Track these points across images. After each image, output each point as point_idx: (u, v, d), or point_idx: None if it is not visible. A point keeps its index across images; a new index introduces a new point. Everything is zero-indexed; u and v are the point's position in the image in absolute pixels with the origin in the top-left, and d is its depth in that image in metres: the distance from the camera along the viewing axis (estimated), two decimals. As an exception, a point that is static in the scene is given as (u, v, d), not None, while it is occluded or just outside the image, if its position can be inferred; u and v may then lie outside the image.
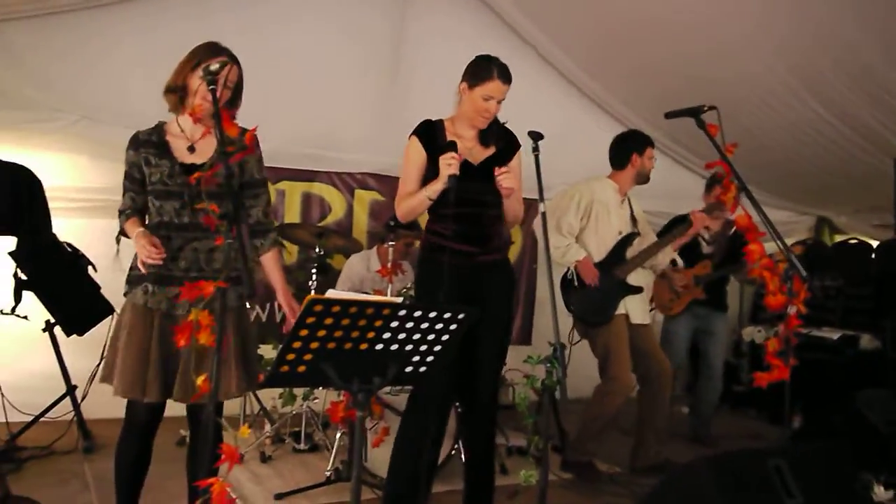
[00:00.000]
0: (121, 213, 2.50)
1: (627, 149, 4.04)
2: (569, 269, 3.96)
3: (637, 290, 3.99)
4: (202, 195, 2.26)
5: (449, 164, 2.70)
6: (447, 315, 2.04)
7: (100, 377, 2.46)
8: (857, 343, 5.44)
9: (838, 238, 6.94)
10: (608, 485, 3.82)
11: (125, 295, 2.46)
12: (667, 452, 4.10)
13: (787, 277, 2.94)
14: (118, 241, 2.53)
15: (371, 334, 1.96)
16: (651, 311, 4.36)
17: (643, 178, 4.06)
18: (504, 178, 2.77)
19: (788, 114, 4.89)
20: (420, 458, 2.88)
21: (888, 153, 4.85)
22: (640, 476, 3.94)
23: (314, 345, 1.90)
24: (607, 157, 4.13)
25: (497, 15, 5.27)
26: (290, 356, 1.91)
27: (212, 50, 2.42)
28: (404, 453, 2.92)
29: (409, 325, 2.00)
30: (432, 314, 2.01)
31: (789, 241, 6.59)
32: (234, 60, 2.44)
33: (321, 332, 1.88)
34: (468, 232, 2.86)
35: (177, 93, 2.43)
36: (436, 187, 2.77)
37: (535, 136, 2.69)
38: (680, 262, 4.56)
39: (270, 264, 2.63)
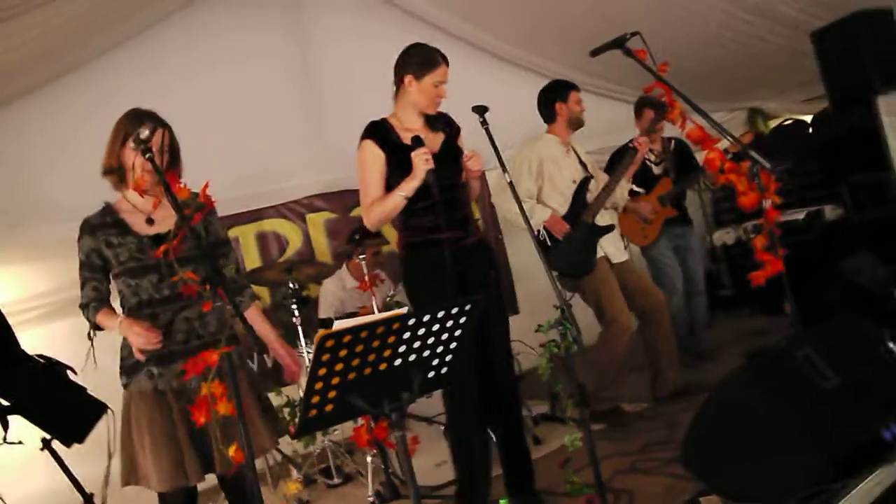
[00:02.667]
0: (85, 307, 2.37)
1: (550, 100, 4.06)
2: (538, 230, 3.94)
3: (609, 228, 4.01)
4: (174, 266, 2.17)
5: (426, 160, 2.68)
6: (455, 310, 2.00)
7: (122, 481, 2.35)
8: (822, 216, 5.57)
9: (772, 123, 7.09)
10: (640, 422, 3.84)
11: (125, 387, 2.37)
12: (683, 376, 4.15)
13: (753, 174, 2.98)
14: (90, 337, 2.41)
15: (387, 353, 1.92)
16: (626, 247, 4.38)
17: (576, 124, 4.06)
18: (473, 161, 2.82)
19: (696, 20, 4.95)
20: (475, 452, 2.89)
21: (804, 32, 4.93)
22: (666, 405, 3.98)
23: (335, 380, 1.85)
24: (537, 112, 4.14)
25: (399, 8, 5.22)
26: (315, 399, 1.85)
27: (136, 117, 2.33)
28: (459, 451, 2.93)
29: (421, 331, 1.96)
30: (440, 314, 1.98)
31: (724, 142, 6.79)
32: (161, 123, 2.35)
33: (339, 366, 1.83)
34: (451, 218, 2.83)
35: (115, 173, 2.33)
36: (412, 185, 2.73)
37: (481, 110, 2.68)
38: (639, 190, 4.58)
39: (256, 319, 2.55)
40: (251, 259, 4.99)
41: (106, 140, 2.36)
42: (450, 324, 2.02)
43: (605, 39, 3.13)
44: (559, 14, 5.02)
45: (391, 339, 1.91)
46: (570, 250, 3.90)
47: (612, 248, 4.05)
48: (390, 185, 2.82)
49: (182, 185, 2.25)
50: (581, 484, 2.67)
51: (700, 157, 4.61)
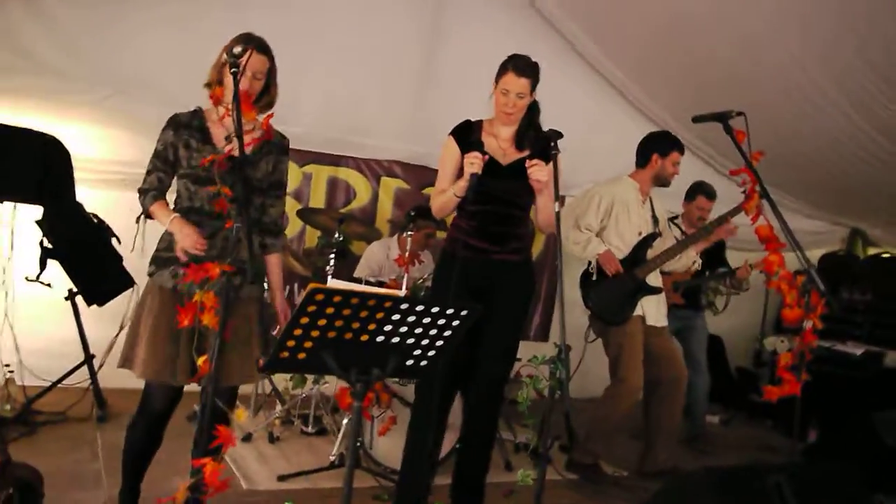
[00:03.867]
0: (144, 192, 2.47)
1: (650, 149, 4.00)
2: (590, 263, 3.92)
3: (656, 290, 3.95)
4: (216, 178, 2.27)
5: (472, 163, 2.73)
6: (449, 311, 2.03)
7: (119, 362, 2.44)
8: (882, 360, 5.34)
9: (872, 251, 6.80)
10: (612, 488, 3.80)
11: (150, 275, 2.46)
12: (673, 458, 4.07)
13: (805, 291, 2.90)
14: (138, 220, 2.52)
15: (372, 326, 1.96)
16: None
17: (662, 182, 4.00)
18: (535, 169, 2.78)
19: (826, 123, 4.78)
20: (423, 447, 2.93)
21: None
22: (646, 481, 3.91)
23: (314, 333, 1.90)
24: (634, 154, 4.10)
25: (536, 11, 5.23)
26: (291, 343, 1.92)
27: (241, 40, 2.42)
28: (409, 447, 2.99)
29: (411, 318, 1.99)
30: (434, 309, 2.01)
31: (820, 252, 6.55)
32: (261, 48, 2.44)
33: (322, 321, 1.88)
34: (487, 229, 2.89)
35: (212, 87, 2.45)
36: (461, 185, 2.80)
37: (554, 135, 2.67)
38: (698, 263, 4.46)
39: (274, 266, 2.66)
40: (317, 199, 5.12)
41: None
42: (441, 322, 2.05)
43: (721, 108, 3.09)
44: (687, 68, 4.93)
45: (379, 315, 1.95)
46: (611, 296, 3.86)
47: (653, 309, 3.99)
48: None
49: (254, 111, 2.33)
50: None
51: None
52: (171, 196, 2.54)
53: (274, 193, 2.60)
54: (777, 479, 2.26)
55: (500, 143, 2.96)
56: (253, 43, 2.44)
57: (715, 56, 4.60)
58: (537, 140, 2.95)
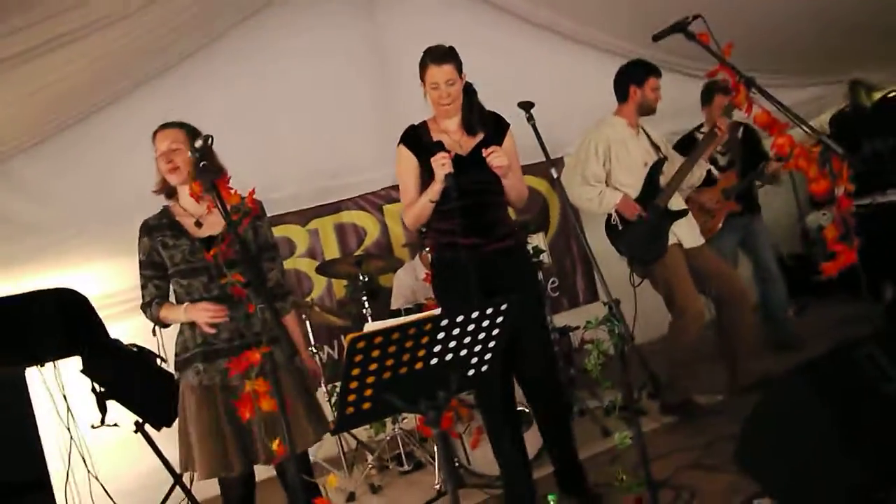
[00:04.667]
0: (148, 305, 2.52)
1: (625, 81, 3.95)
2: (610, 214, 3.88)
3: (682, 213, 3.90)
4: (223, 268, 2.29)
5: (442, 164, 2.70)
6: (489, 311, 2.02)
7: (181, 467, 2.51)
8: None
9: (877, 96, 6.64)
10: (712, 416, 3.73)
11: (178, 381, 2.53)
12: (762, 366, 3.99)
13: (824, 160, 2.83)
14: (155, 333, 2.57)
15: (422, 352, 1.95)
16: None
17: (647, 110, 3.94)
18: (493, 157, 2.75)
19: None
20: (509, 448, 2.92)
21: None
22: (743, 398, 3.84)
23: (370, 379, 1.91)
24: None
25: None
26: (351, 397, 1.92)
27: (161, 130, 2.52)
28: (496, 447, 2.98)
29: (456, 331, 1.99)
30: (474, 315, 2.00)
31: (827, 116, 6.41)
32: (191, 132, 2.51)
33: (372, 366, 1.88)
34: (472, 224, 2.83)
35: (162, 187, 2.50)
36: (435, 188, 2.77)
37: (526, 106, 2.65)
38: (715, 171, 4.39)
39: (292, 326, 2.68)
40: (330, 250, 5.15)
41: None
42: (486, 324, 2.04)
43: (680, 16, 3.03)
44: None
45: (424, 340, 1.94)
46: (640, 235, 3.81)
47: (685, 232, 3.92)
48: (427, 187, 2.86)
49: (233, 191, 2.36)
50: (631, 481, 2.63)
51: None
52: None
53: (267, 256, 2.62)
54: (867, 350, 2.21)
55: (452, 136, 2.94)
56: (169, 126, 2.52)
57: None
58: (486, 120, 2.94)
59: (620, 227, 3.85)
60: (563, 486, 2.98)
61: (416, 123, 2.99)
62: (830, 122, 6.35)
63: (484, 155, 2.76)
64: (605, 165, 3.88)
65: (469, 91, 2.94)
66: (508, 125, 2.94)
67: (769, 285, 4.69)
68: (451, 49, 2.85)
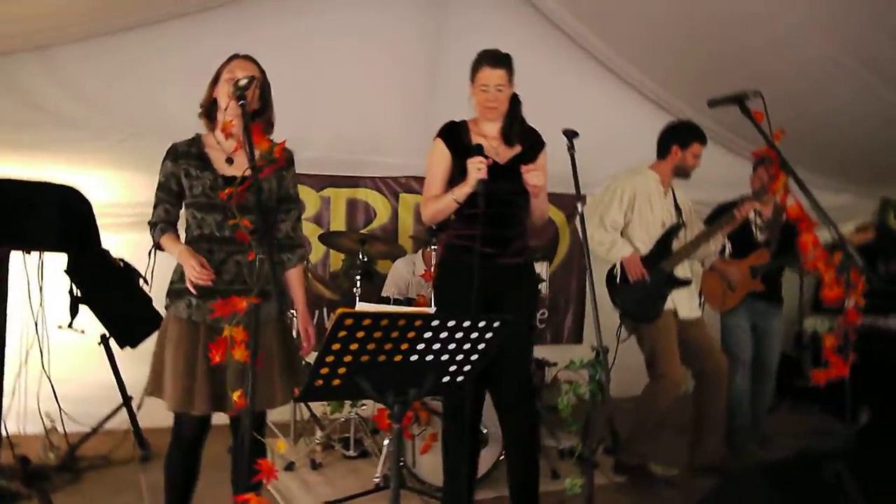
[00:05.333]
0: (153, 225, 2.49)
1: (670, 140, 3.93)
2: (614, 265, 3.87)
3: (685, 282, 3.88)
4: (234, 210, 2.27)
5: (479, 169, 2.68)
6: (482, 324, 2.00)
7: (146, 391, 2.50)
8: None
9: (906, 220, 6.63)
10: (662, 487, 3.72)
11: (166, 308, 2.50)
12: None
13: (843, 268, 2.82)
14: (151, 254, 2.55)
15: (404, 346, 1.93)
16: (701, 304, 4.22)
17: (682, 173, 3.93)
18: (531, 175, 2.73)
19: (843, 93, 4.68)
20: (461, 464, 2.88)
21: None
22: (697, 478, 3.83)
23: (347, 358, 1.88)
24: (653, 145, 4.03)
25: (538, 11, 5.20)
26: (324, 370, 1.90)
27: (235, 64, 2.47)
28: (448, 460, 2.95)
29: (444, 335, 1.96)
30: (466, 324, 1.98)
31: (850, 225, 6.40)
32: (260, 71, 2.47)
33: (353, 346, 1.86)
34: (491, 234, 2.81)
35: (207, 111, 2.46)
36: (464, 190, 2.74)
37: (570, 135, 2.63)
38: (728, 247, 4.35)
39: (294, 281, 2.64)
40: (337, 222, 5.12)
41: None
42: (474, 336, 2.02)
43: (735, 89, 3.02)
44: (694, 51, 4.85)
45: (411, 335, 1.92)
46: (639, 293, 3.79)
47: (684, 302, 3.90)
48: (453, 185, 2.84)
49: (267, 138, 2.34)
50: (569, 529, 2.62)
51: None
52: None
53: (284, 208, 2.58)
54: (835, 468, 2.18)
55: (491, 143, 2.92)
56: (252, 68, 2.47)
57: (722, 34, 4.53)
58: (525, 134, 2.92)
59: (619, 281, 3.83)
60: None
61: (456, 120, 2.97)
62: (857, 230, 6.33)
63: (522, 171, 2.74)
64: (627, 215, 3.87)
65: (514, 102, 2.93)
66: (544, 144, 2.91)
67: (764, 386, 4.48)
68: (507, 55, 2.85)
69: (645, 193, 3.88)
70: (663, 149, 3.95)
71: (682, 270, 3.89)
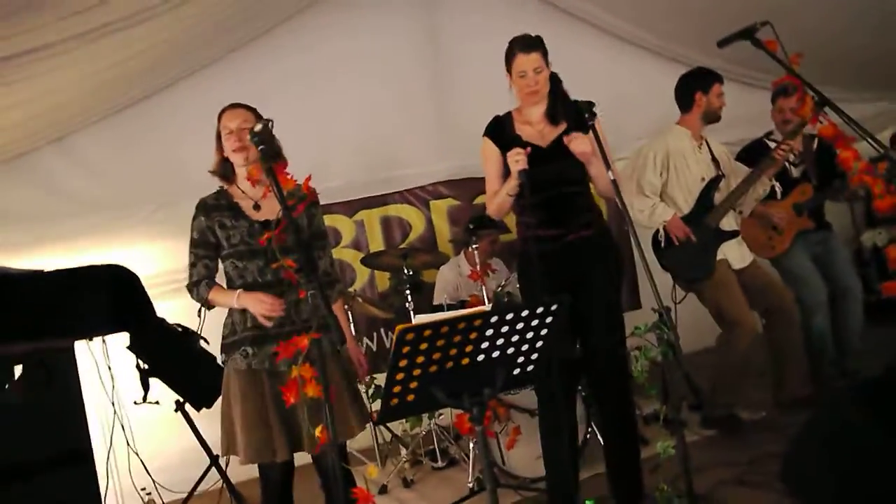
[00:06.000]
0: (196, 283, 2.54)
1: (690, 89, 3.85)
2: (658, 229, 3.81)
3: (732, 234, 3.80)
4: (276, 253, 2.31)
5: (516, 161, 2.71)
6: (539, 310, 2.00)
7: (222, 451, 2.53)
8: None
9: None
10: (754, 432, 3.65)
11: (223, 363, 2.55)
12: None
13: (891, 176, 2.76)
14: (200, 314, 2.59)
15: (469, 348, 1.95)
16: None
17: (713, 118, 3.84)
18: (575, 143, 2.73)
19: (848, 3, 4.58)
20: (561, 449, 2.87)
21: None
22: (785, 415, 3.76)
23: (416, 372, 1.90)
24: (672, 99, 3.96)
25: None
26: (396, 388, 1.92)
27: (230, 110, 2.56)
28: (548, 448, 2.93)
29: (504, 329, 1.97)
30: (524, 313, 1.98)
31: (887, 133, 6.23)
32: (258, 115, 2.54)
33: (420, 359, 1.88)
34: (552, 215, 2.85)
35: (221, 168, 2.55)
36: (512, 184, 2.78)
37: (586, 106, 2.62)
38: (779, 188, 4.10)
39: (338, 314, 2.67)
40: (375, 243, 5.17)
41: None
42: (535, 323, 2.02)
43: (744, 25, 2.97)
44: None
45: (473, 336, 1.93)
46: (687, 253, 3.73)
47: (734, 253, 3.83)
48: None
49: (289, 177, 2.38)
50: (670, 493, 2.59)
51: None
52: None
53: (318, 244, 2.63)
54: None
55: (535, 127, 2.93)
56: (238, 107, 2.55)
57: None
58: (569, 110, 2.90)
59: (664, 245, 3.78)
60: (617, 491, 2.92)
61: (500, 115, 3.00)
62: (891, 139, 6.17)
63: (565, 141, 2.75)
64: (662, 176, 3.81)
65: (555, 80, 2.93)
66: (595, 117, 2.87)
67: (849, 307, 4.22)
68: (538, 38, 2.86)
69: (678, 151, 3.82)
70: (686, 100, 3.87)
71: (727, 222, 3.82)
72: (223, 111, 2.57)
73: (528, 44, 2.82)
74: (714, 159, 3.90)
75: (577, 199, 2.92)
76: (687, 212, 3.78)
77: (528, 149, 2.75)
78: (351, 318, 4.32)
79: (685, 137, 3.85)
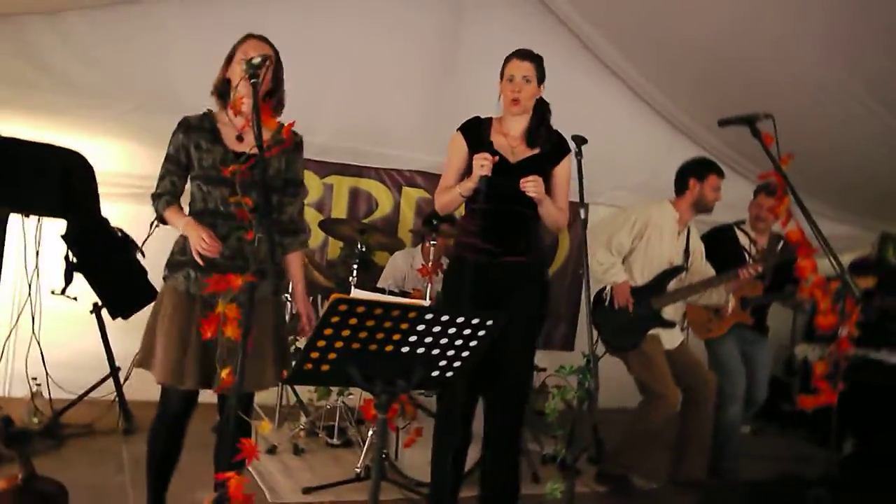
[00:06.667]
0: (158, 196, 2.48)
1: (687, 174, 3.90)
2: (605, 286, 3.86)
3: (669, 324, 3.87)
4: (237, 187, 2.27)
5: (482, 165, 2.70)
6: (475, 321, 1.99)
7: (136, 361, 2.50)
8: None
9: (905, 256, 6.63)
10: (643, 500, 3.72)
11: (164, 279, 2.49)
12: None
13: (839, 297, 2.81)
14: (153, 226, 2.54)
15: (396, 336, 1.93)
16: (684, 328, 4.19)
17: (703, 208, 3.90)
18: (528, 186, 2.74)
19: (854, 124, 4.69)
20: (447, 461, 2.89)
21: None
22: (678, 493, 3.83)
23: (338, 344, 1.88)
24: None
25: (555, 16, 5.20)
26: (314, 354, 1.89)
27: (248, 41, 2.47)
28: (436, 458, 2.95)
29: (436, 329, 1.96)
30: (460, 319, 1.98)
31: (850, 257, 6.41)
32: (267, 43, 2.48)
33: (345, 332, 1.86)
34: (495, 230, 2.85)
35: (221, 89, 2.47)
36: (468, 185, 2.78)
37: (579, 141, 2.62)
38: (732, 304, 4.16)
39: (294, 264, 2.65)
40: (339, 209, 5.12)
41: None
42: (467, 332, 2.01)
43: (746, 111, 3.02)
44: (703, 68, 4.85)
45: (404, 326, 1.92)
46: (620, 321, 3.78)
47: (666, 335, 3.89)
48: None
49: (276, 118, 2.33)
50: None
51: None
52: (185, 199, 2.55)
53: (290, 191, 2.59)
54: (817, 494, 2.19)
55: (510, 141, 2.93)
56: (265, 47, 2.47)
57: (740, 59, 4.54)
58: (549, 138, 2.92)
59: (606, 304, 3.83)
60: None
61: (481, 116, 2.99)
62: (850, 265, 6.34)
63: (521, 182, 2.75)
64: (634, 242, 3.85)
65: (542, 106, 2.95)
66: (570, 150, 2.88)
67: (748, 408, 4.35)
68: (538, 55, 2.89)
69: (658, 226, 3.86)
70: (681, 184, 3.92)
71: (670, 311, 3.89)
72: (249, 37, 2.49)
73: (525, 53, 2.87)
74: (687, 250, 3.96)
75: (524, 223, 2.92)
76: (639, 284, 3.83)
77: (496, 157, 2.76)
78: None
79: (670, 217, 3.90)
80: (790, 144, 2.97)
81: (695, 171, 3.89)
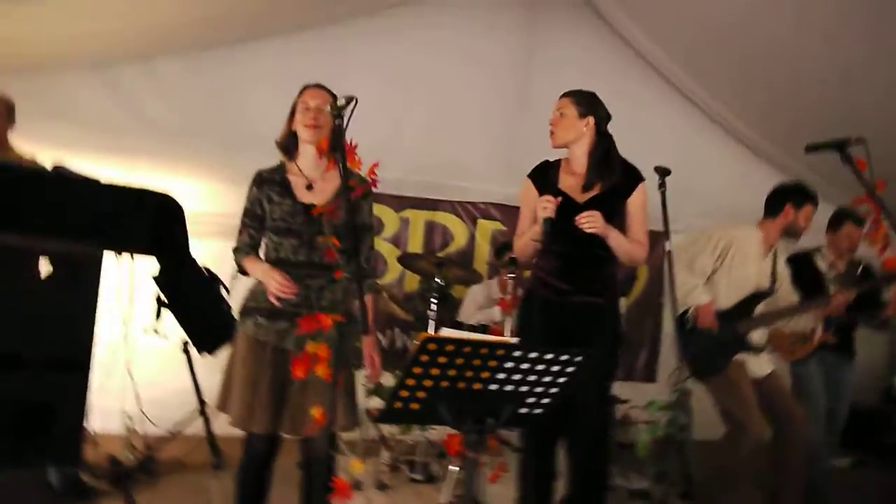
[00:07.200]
0: (237, 250, 2.59)
1: (783, 198, 3.76)
2: (687, 309, 3.75)
3: (756, 349, 3.72)
4: (324, 229, 2.31)
5: (543, 208, 2.70)
6: (564, 358, 1.97)
7: (216, 405, 2.55)
8: None
9: None
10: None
11: (237, 326, 2.56)
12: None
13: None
14: (233, 276, 2.61)
15: (485, 374, 1.92)
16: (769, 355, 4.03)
17: (792, 233, 3.76)
18: (584, 222, 2.72)
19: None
20: (535, 496, 2.86)
21: None
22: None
23: (427, 383, 1.89)
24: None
25: (630, 47, 5.18)
26: (404, 393, 1.90)
27: (307, 90, 2.58)
28: (522, 494, 2.93)
29: (525, 366, 1.95)
30: (548, 356, 1.96)
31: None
32: (330, 94, 2.55)
33: (434, 371, 1.86)
34: (566, 270, 2.86)
35: (286, 144, 2.57)
36: (536, 229, 2.78)
37: (662, 173, 2.59)
38: (820, 330, 4.01)
39: (368, 307, 2.65)
40: (415, 243, 5.18)
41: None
42: (555, 369, 1.99)
43: (829, 136, 2.91)
44: (784, 90, 4.72)
45: (492, 364, 1.91)
46: (704, 345, 3.64)
47: (754, 361, 3.73)
48: None
49: (357, 159, 2.38)
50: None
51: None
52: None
53: (361, 236, 2.62)
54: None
55: (577, 180, 2.92)
56: (321, 89, 2.57)
57: (819, 80, 4.41)
58: (612, 170, 2.88)
59: (688, 327, 3.71)
60: None
61: (550, 160, 3.01)
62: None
63: (576, 220, 2.73)
64: (716, 262, 3.73)
65: (603, 139, 2.91)
66: (643, 179, 2.85)
67: (829, 433, 4.15)
68: (578, 91, 2.92)
69: (742, 249, 3.73)
70: (776, 207, 3.77)
71: (757, 335, 3.75)
72: (306, 88, 2.59)
73: (568, 91, 2.92)
74: (774, 273, 3.82)
75: (597, 264, 2.90)
76: (724, 308, 3.71)
77: (559, 198, 2.74)
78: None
79: (754, 240, 3.76)
80: (883, 167, 2.85)
81: (792, 198, 3.75)
